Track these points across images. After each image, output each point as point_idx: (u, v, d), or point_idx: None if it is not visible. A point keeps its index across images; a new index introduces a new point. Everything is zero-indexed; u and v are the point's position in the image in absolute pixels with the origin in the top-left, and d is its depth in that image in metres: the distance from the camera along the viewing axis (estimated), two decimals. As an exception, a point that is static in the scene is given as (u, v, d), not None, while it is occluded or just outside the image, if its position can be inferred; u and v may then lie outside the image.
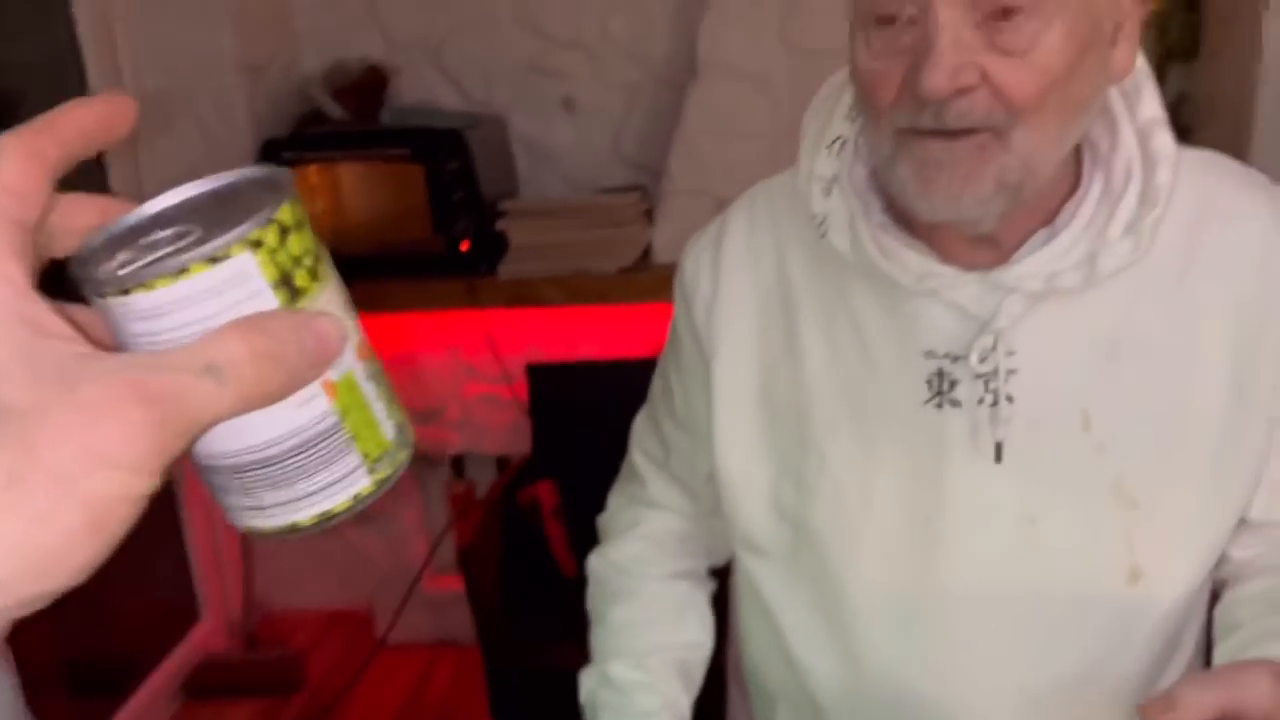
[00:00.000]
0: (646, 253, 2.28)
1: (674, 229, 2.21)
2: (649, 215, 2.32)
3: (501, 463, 2.55)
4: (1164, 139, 0.76)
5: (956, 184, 0.70)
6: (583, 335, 2.38)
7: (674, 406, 0.95)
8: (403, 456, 0.40)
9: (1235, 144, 2.04)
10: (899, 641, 0.83)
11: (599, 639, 0.97)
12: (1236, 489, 0.79)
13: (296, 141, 2.33)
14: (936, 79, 0.66)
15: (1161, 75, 2.31)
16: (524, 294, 2.27)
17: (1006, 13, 0.66)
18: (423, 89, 2.51)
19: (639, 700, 0.92)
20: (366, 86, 2.41)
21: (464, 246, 2.23)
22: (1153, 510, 0.78)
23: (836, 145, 0.80)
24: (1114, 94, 0.76)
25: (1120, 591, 0.79)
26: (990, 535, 0.79)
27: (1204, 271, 0.78)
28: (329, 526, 0.38)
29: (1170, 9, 2.25)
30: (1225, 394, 0.78)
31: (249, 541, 2.48)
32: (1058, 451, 0.78)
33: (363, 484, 0.38)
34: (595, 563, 1.02)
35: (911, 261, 0.77)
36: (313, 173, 2.32)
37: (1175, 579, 0.81)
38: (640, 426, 1.02)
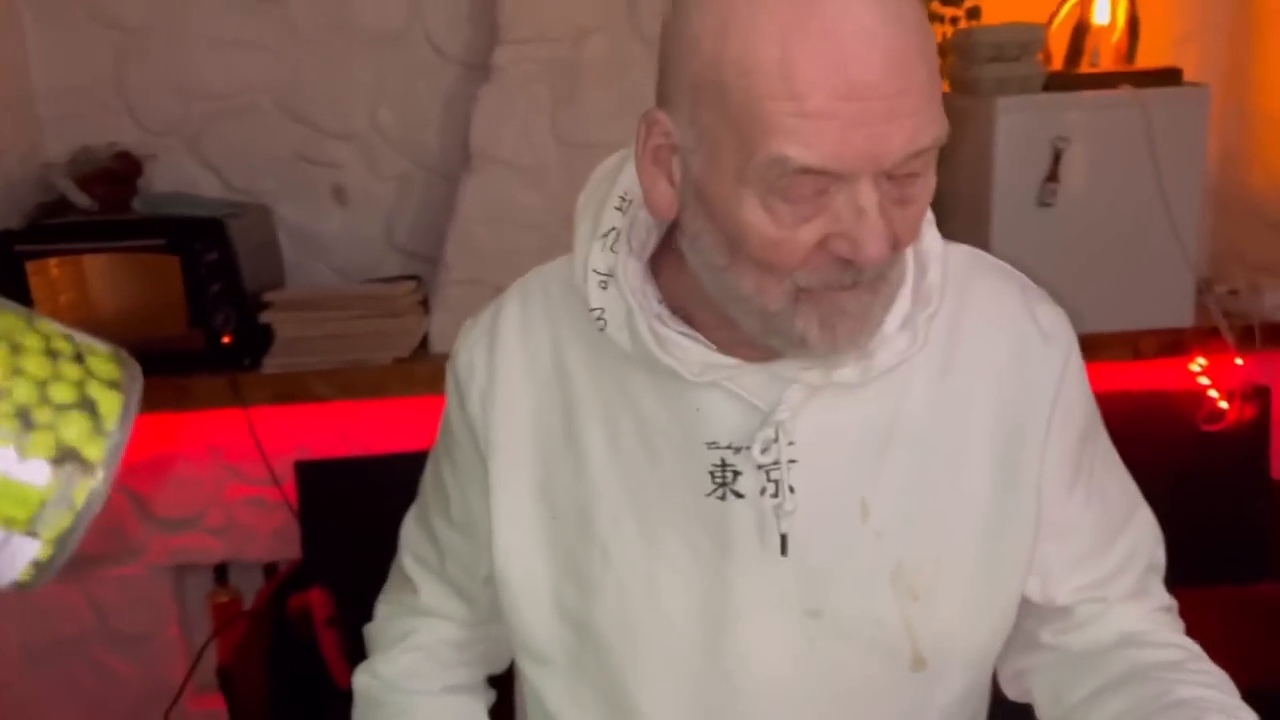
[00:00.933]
0: (423, 343, 2.23)
1: (451, 318, 2.17)
2: (425, 305, 2.28)
3: (270, 570, 2.40)
4: (933, 237, 0.79)
5: (859, 325, 0.72)
6: (356, 430, 2.29)
7: (448, 506, 0.91)
8: (81, 492, 0.33)
9: (976, 231, 2.20)
10: None
11: None
12: (1009, 577, 0.81)
13: (34, 232, 2.16)
14: (878, 249, 0.67)
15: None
16: (291, 389, 2.16)
17: (910, 177, 0.68)
18: (179, 177, 2.39)
19: None
20: (116, 174, 2.27)
21: (226, 340, 2.11)
22: (932, 600, 0.79)
23: (610, 237, 0.79)
24: None
25: (906, 681, 0.79)
26: (777, 629, 0.78)
27: (968, 364, 0.80)
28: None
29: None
30: (991, 484, 0.80)
31: (-23, 673, 2.22)
32: (839, 541, 0.78)
33: (32, 552, 0.31)
34: (362, 680, 0.95)
35: (693, 353, 0.76)
36: (53, 265, 2.16)
37: (957, 667, 0.82)
38: (410, 528, 0.96)
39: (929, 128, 0.67)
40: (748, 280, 0.71)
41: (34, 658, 2.45)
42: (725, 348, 0.77)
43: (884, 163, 0.66)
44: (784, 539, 0.77)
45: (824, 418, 0.77)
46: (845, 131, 0.64)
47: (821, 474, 0.77)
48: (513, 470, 0.83)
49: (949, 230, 2.51)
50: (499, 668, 0.96)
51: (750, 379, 0.76)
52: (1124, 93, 2.09)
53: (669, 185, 0.73)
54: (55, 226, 2.19)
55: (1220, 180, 2.45)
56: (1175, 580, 2.50)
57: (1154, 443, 2.31)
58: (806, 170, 0.65)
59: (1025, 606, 0.85)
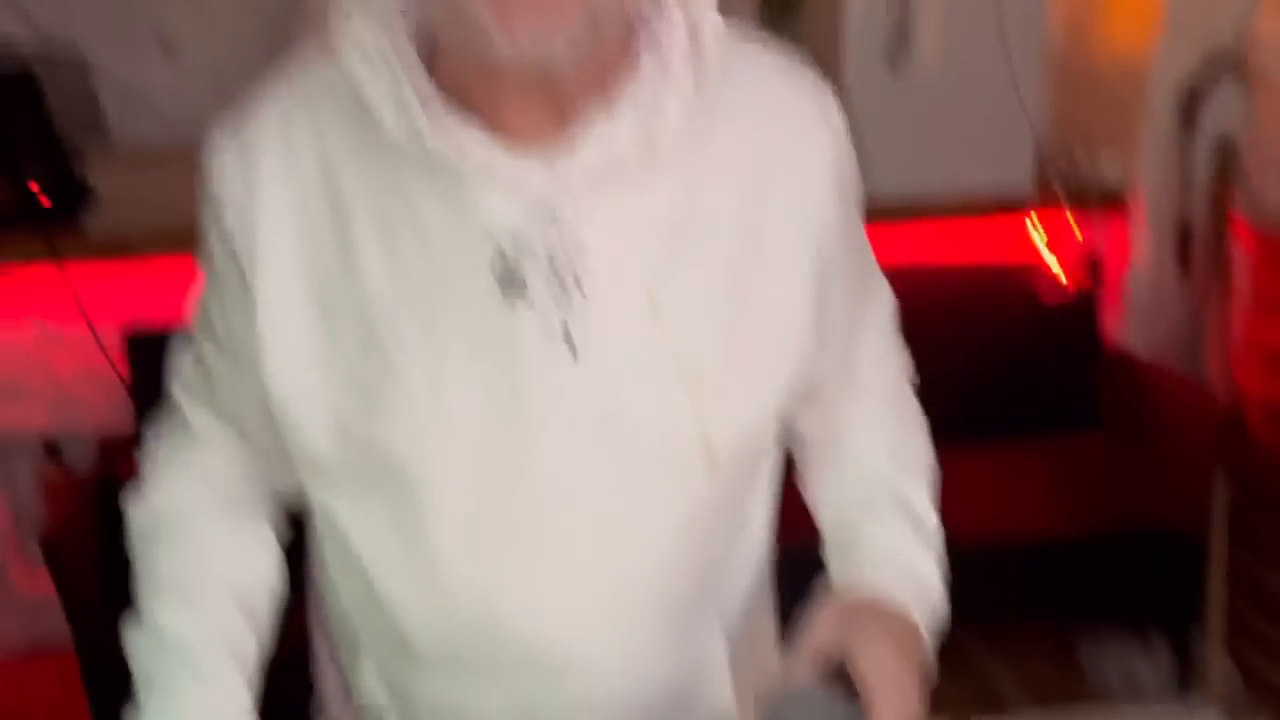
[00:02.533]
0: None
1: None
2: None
3: (107, 446, 2.30)
4: (713, 20, 0.75)
5: (542, 13, 0.66)
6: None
7: (214, 330, 0.84)
8: None
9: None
10: (485, 558, 0.78)
11: (143, 589, 0.85)
12: (792, 360, 0.81)
13: None
14: None
15: (765, 33, 2.44)
16: (116, 248, 2.05)
17: None
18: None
19: (191, 647, 0.82)
20: (-89, 16, 2.08)
21: (33, 189, 1.97)
22: (721, 392, 0.78)
23: (377, 8, 0.72)
24: None
25: (697, 471, 0.79)
26: (572, 434, 0.76)
27: (757, 156, 0.78)
28: None
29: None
30: (777, 274, 0.79)
31: None
32: (628, 339, 0.76)
33: None
34: (134, 511, 0.89)
35: (469, 145, 0.71)
36: None
37: (743, 460, 0.82)
38: (179, 359, 0.90)
39: None
40: None
41: None
42: (502, 138, 0.72)
43: None
44: (569, 338, 0.74)
45: (612, 213, 0.74)
46: None
47: (609, 272, 0.74)
48: (279, 286, 0.77)
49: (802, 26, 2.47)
50: (289, 494, 0.92)
51: (532, 173, 0.72)
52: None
53: None
54: None
55: (1063, 48, 2.49)
56: (1007, 434, 2.61)
57: (996, 313, 2.40)
58: None
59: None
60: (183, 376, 0.89)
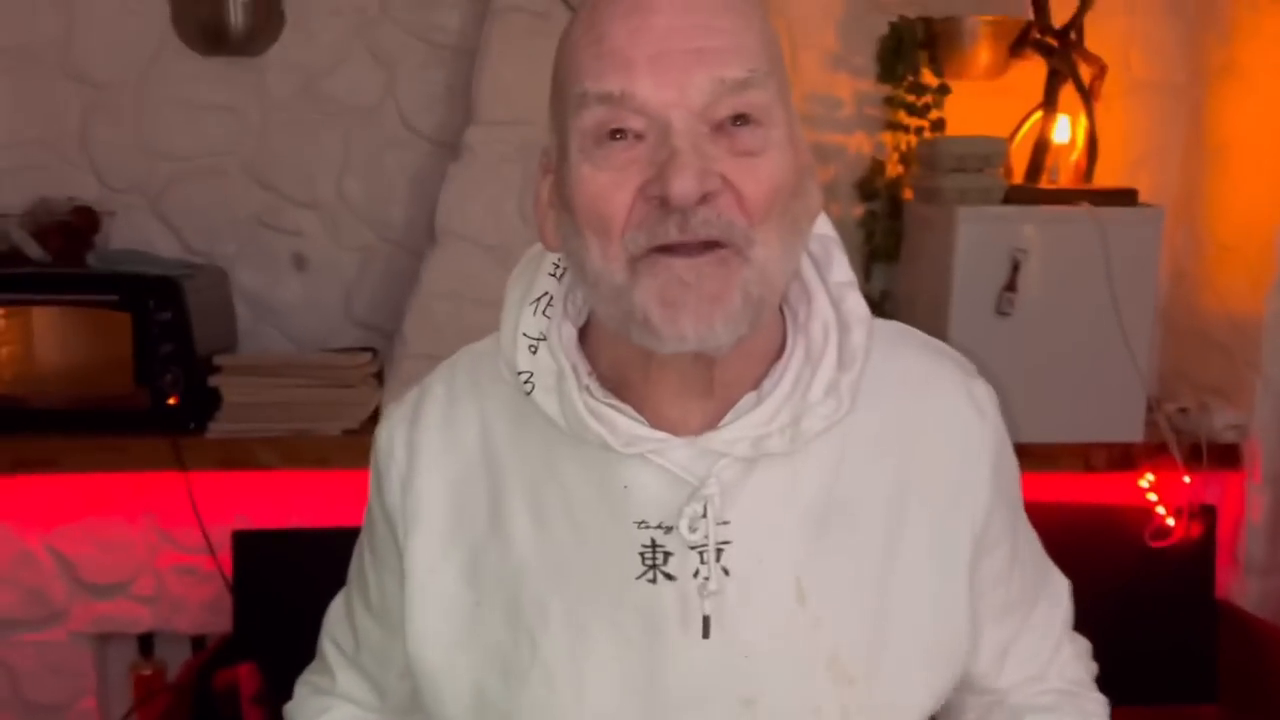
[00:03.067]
0: (375, 416, 2.19)
1: (405, 392, 2.14)
2: (379, 378, 2.25)
3: (198, 643, 2.32)
4: (856, 300, 0.78)
5: (705, 304, 0.69)
6: (299, 502, 2.23)
7: (367, 593, 0.88)
8: None
9: (934, 333, 2.22)
10: None
11: None
12: (946, 660, 0.80)
13: (-16, 280, 2.12)
14: (686, 182, 0.66)
15: (867, 274, 2.51)
16: (236, 455, 2.12)
17: (737, 119, 0.69)
18: (138, 235, 2.36)
19: None
20: (74, 228, 2.24)
21: (172, 401, 2.07)
22: (869, 684, 0.77)
23: (544, 301, 0.78)
24: (806, 262, 0.79)
25: None
26: (710, 714, 0.76)
27: (904, 439, 0.80)
28: None
29: (876, 214, 2.46)
30: (929, 562, 0.79)
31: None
32: (773, 625, 0.76)
33: None
34: None
35: (620, 424, 0.74)
36: (0, 316, 2.12)
37: None
38: (333, 612, 0.94)
39: (736, 60, 0.68)
40: (594, 252, 0.71)
41: (-61, 724, 2.34)
42: (654, 422, 0.75)
43: (692, 98, 0.67)
44: (706, 621, 0.75)
45: (758, 496, 0.76)
46: (640, 61, 0.67)
47: (754, 555, 0.75)
48: (431, 554, 0.80)
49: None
50: None
51: (679, 452, 0.75)
52: (1081, 209, 2.14)
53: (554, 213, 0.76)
54: (5, 277, 2.15)
55: (1170, 301, 2.51)
56: (1120, 699, 2.51)
57: (1101, 557, 2.32)
58: (605, 98, 0.68)
59: (966, 683, 0.85)
60: (334, 632, 0.92)
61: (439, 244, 2.23)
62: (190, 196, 2.37)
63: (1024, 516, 0.88)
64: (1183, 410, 2.33)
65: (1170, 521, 2.29)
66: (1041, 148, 2.26)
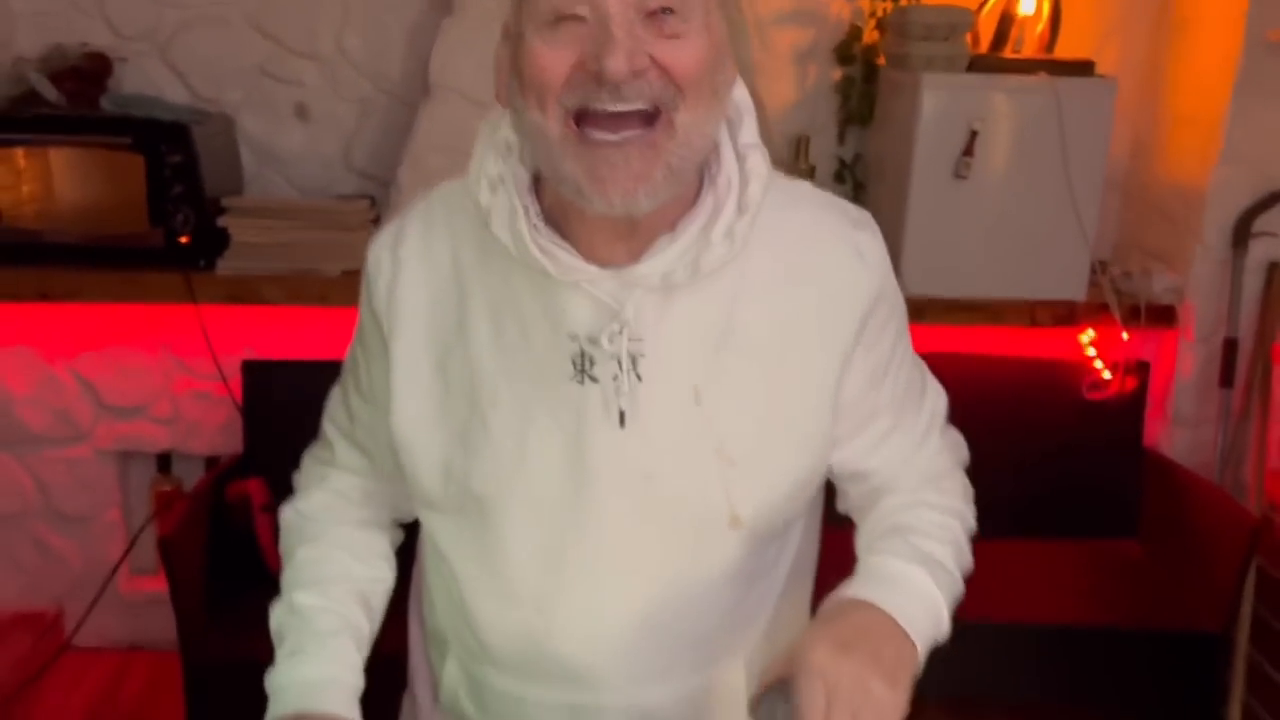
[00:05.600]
0: (370, 259, 2.34)
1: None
2: (376, 223, 2.40)
3: (211, 463, 2.53)
4: (757, 160, 0.93)
5: (630, 180, 0.84)
6: (301, 336, 2.42)
7: (359, 381, 1.06)
8: None
9: (895, 197, 2.37)
10: (545, 584, 0.97)
11: (286, 575, 1.06)
12: (810, 446, 0.98)
13: (4, 122, 2.25)
14: (618, 61, 0.81)
15: (841, 138, 2.63)
16: (243, 291, 2.29)
17: (664, 10, 0.83)
18: (147, 82, 2.49)
19: (319, 622, 1.01)
20: (87, 72, 2.36)
21: (183, 240, 2.23)
22: (746, 468, 0.95)
23: (503, 148, 0.93)
24: (721, 126, 0.93)
25: (726, 537, 0.97)
26: (620, 488, 0.94)
27: (792, 278, 0.96)
28: None
29: (852, 79, 2.56)
30: (803, 376, 0.96)
31: (-76, 536, 2.34)
32: (672, 420, 0.94)
33: None
34: (286, 513, 1.11)
35: (560, 257, 0.90)
36: (20, 155, 2.26)
37: (765, 524, 0.99)
38: (332, 399, 1.13)
39: None
40: (534, 110, 0.86)
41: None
42: (587, 255, 0.91)
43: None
44: (622, 414, 0.93)
45: (665, 317, 0.92)
46: None
47: (661, 365, 0.93)
48: (411, 351, 0.98)
49: (871, 194, 2.68)
50: (406, 517, 1.12)
51: (604, 284, 0.91)
52: (1039, 79, 2.25)
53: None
54: (24, 118, 2.28)
55: (1129, 171, 2.63)
56: (1052, 532, 2.73)
57: (1041, 406, 2.53)
58: (560, 16, 0.82)
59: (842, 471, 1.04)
60: (333, 415, 1.11)
61: (433, 97, 2.36)
62: (196, 45, 2.48)
63: (905, 343, 1.05)
64: (1126, 273, 2.49)
65: (1107, 375, 2.48)
66: (1007, 19, 2.36)
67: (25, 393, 2.50)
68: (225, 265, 2.28)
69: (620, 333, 0.92)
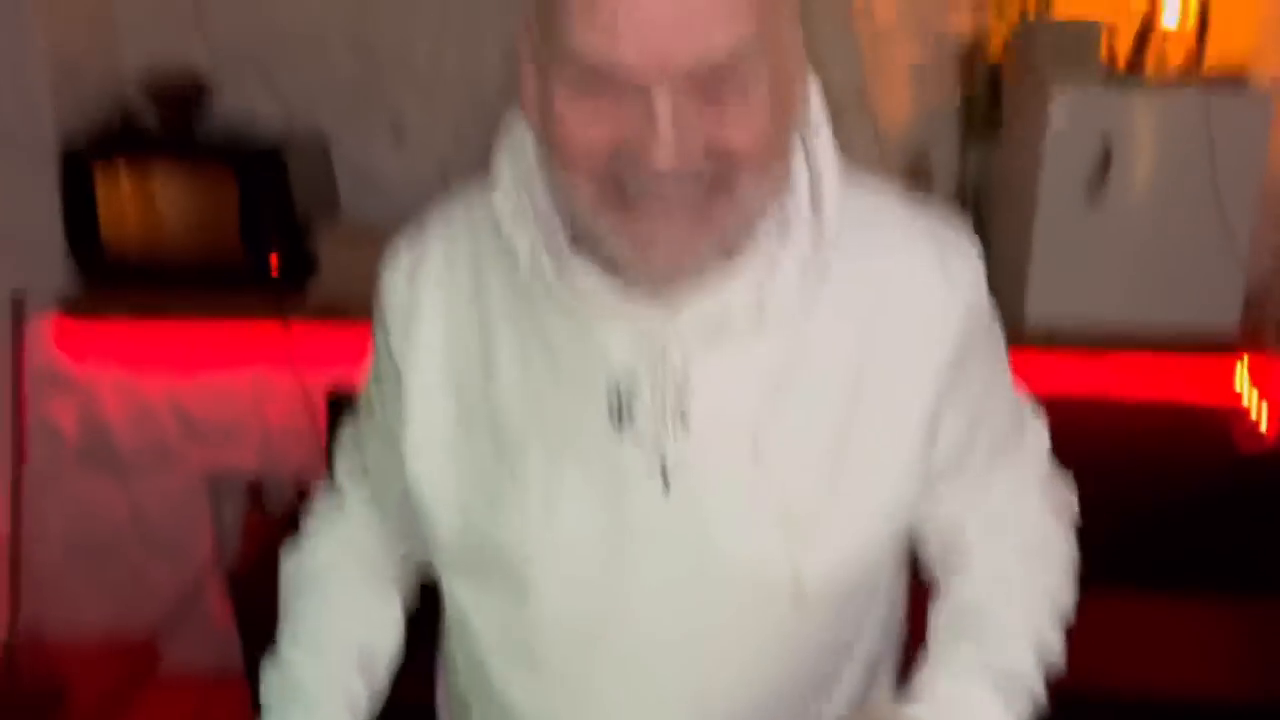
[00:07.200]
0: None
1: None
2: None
3: (301, 493, 2.48)
4: (832, 175, 0.78)
5: (676, 249, 0.72)
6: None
7: (372, 416, 0.94)
8: None
9: (1021, 221, 2.18)
10: (578, 659, 0.84)
11: (283, 633, 0.95)
12: (890, 513, 0.83)
13: (108, 141, 2.25)
14: (666, 158, 0.67)
15: (963, 155, 2.46)
16: (333, 317, 2.23)
17: (718, 75, 0.67)
18: (244, 99, 2.46)
19: (312, 690, 0.90)
20: (185, 95, 2.34)
21: (272, 261, 2.18)
22: (817, 538, 0.80)
23: (524, 167, 0.80)
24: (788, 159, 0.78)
25: (785, 603, 0.82)
26: (666, 556, 0.81)
27: (868, 307, 0.80)
28: None
29: (975, 97, 2.40)
30: (883, 426, 0.81)
31: (18, 558, 2.34)
32: (727, 480, 0.79)
33: None
34: (288, 564, 1.00)
35: (592, 289, 0.77)
36: (124, 174, 2.25)
37: (833, 600, 0.84)
38: (343, 439, 1.01)
39: (721, 29, 0.65)
40: (561, 170, 0.72)
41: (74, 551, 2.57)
42: (626, 269, 0.76)
43: (677, 66, 0.65)
44: (665, 473, 0.79)
45: (719, 360, 0.78)
46: (626, 31, 0.64)
47: (713, 412, 0.78)
48: (426, 385, 0.85)
49: (995, 217, 2.49)
50: (419, 575, 1.00)
51: (647, 314, 0.77)
52: (1183, 94, 2.05)
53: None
54: (128, 137, 2.28)
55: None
56: (1191, 585, 2.46)
57: (1188, 457, 2.29)
58: (589, 59, 0.66)
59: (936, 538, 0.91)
60: (342, 453, 1.00)
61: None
62: (295, 67, 2.44)
63: (1004, 380, 0.89)
64: (1285, 303, 2.25)
65: (1264, 426, 2.23)
66: (1147, 32, 2.16)
67: (120, 416, 2.49)
68: (315, 291, 2.22)
69: (667, 378, 0.78)
